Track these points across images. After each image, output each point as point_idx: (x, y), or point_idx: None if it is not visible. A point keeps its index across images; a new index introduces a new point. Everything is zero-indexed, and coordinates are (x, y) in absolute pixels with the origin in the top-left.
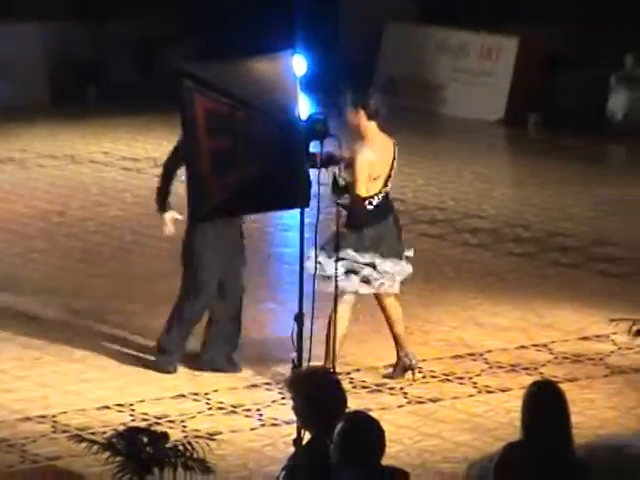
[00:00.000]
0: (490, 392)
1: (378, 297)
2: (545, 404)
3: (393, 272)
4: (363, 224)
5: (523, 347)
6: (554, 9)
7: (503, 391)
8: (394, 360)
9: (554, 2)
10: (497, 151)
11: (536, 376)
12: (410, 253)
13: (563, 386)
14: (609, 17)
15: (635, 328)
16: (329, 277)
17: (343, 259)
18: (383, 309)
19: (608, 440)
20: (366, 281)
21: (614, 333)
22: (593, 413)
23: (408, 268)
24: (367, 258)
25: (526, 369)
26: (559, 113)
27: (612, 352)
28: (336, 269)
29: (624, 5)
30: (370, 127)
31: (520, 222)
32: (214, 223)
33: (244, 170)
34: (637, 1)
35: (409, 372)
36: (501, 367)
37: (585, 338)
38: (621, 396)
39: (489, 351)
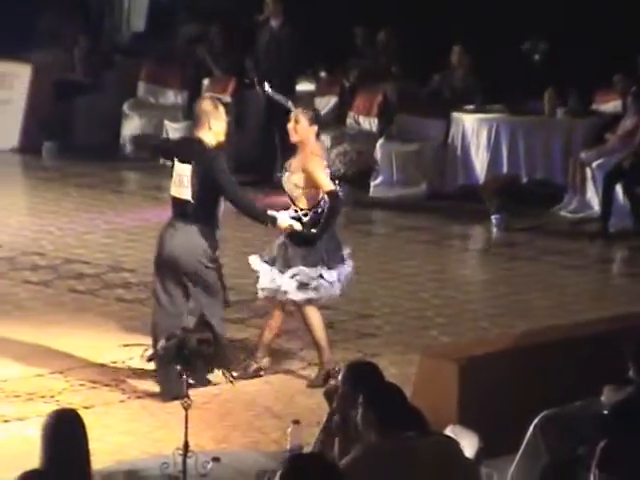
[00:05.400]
0: (7, 421)
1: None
2: (63, 432)
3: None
4: None
5: (40, 375)
6: (67, 36)
7: (21, 420)
8: None
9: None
10: (13, 179)
11: (53, 404)
12: None
13: (80, 413)
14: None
15: (147, 353)
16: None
17: None
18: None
19: (125, 465)
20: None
21: (130, 358)
22: (110, 439)
23: None
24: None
25: (43, 397)
26: (76, 140)
27: (128, 377)
28: None
29: None
30: None
31: (36, 250)
32: None
33: None
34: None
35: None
36: (18, 396)
37: (101, 365)
38: (137, 421)
39: (5, 380)
